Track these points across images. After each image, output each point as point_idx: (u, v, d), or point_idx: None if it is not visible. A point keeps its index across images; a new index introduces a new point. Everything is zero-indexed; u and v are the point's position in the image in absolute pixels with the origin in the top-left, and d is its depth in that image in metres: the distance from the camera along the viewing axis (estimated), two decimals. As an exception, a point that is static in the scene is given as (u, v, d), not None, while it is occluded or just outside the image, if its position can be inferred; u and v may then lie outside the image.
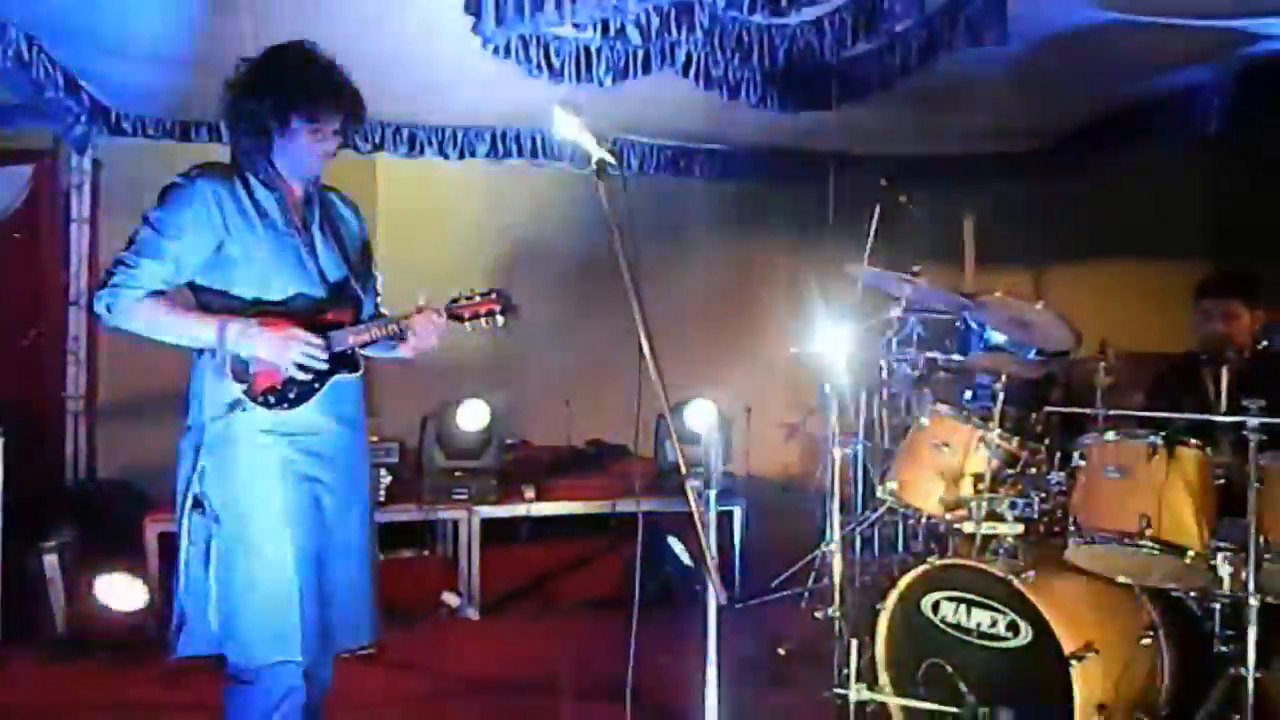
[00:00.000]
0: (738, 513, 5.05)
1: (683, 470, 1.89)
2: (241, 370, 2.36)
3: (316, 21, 3.44)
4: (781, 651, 4.08)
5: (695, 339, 5.94)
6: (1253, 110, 4.37)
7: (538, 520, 4.95)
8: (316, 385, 2.41)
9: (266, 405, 2.37)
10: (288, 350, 2.34)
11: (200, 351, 2.38)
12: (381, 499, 4.65)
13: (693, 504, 1.89)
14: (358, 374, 2.51)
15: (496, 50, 3.77)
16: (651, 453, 5.29)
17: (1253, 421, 2.79)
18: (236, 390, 2.35)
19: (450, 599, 4.72)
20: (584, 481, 5.31)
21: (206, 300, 2.41)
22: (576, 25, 3.58)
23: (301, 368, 2.37)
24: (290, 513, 2.36)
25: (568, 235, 6.12)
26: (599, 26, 3.66)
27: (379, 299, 2.72)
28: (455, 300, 2.51)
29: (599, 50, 3.93)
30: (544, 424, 6.04)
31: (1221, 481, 2.98)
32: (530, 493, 4.91)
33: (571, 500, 5.03)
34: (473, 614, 4.69)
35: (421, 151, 5.34)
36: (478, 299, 2.50)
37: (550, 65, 3.90)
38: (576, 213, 6.07)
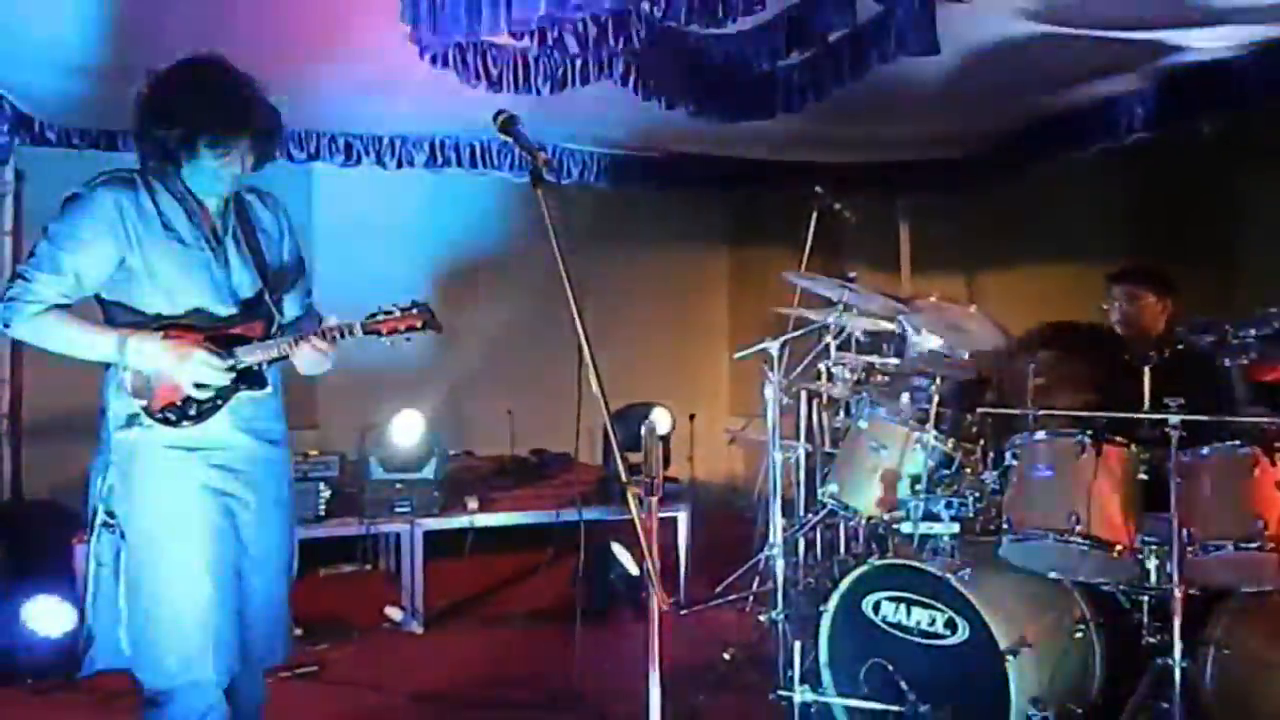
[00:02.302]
0: (681, 518, 5.07)
1: (623, 478, 1.89)
2: (142, 385, 2.29)
3: (246, 27, 3.41)
4: (726, 655, 4.11)
5: (637, 346, 5.96)
6: (1173, 118, 4.53)
7: (481, 531, 4.91)
8: (219, 402, 2.34)
9: (166, 422, 2.30)
10: (186, 367, 2.26)
11: (110, 365, 2.32)
12: (321, 513, 4.58)
13: (635, 511, 1.89)
14: (264, 390, 2.42)
15: (434, 59, 3.76)
16: (598, 460, 5.30)
17: (1174, 419, 2.90)
18: (135, 405, 2.29)
19: (393, 613, 4.67)
20: (527, 491, 5.28)
21: (112, 314, 2.34)
22: (514, 34, 3.57)
23: (201, 385, 2.29)
24: (200, 528, 2.29)
25: (508, 244, 6.10)
26: (536, 36, 3.66)
27: (310, 300, 2.63)
28: (373, 315, 2.40)
29: (537, 59, 3.93)
30: (487, 433, 6.01)
31: (1145, 477, 3.09)
32: (473, 504, 4.87)
33: (515, 511, 5.00)
34: (416, 628, 4.64)
35: (358, 160, 5.29)
36: (397, 314, 2.40)
37: (488, 74, 3.89)
38: (516, 221, 6.06)
